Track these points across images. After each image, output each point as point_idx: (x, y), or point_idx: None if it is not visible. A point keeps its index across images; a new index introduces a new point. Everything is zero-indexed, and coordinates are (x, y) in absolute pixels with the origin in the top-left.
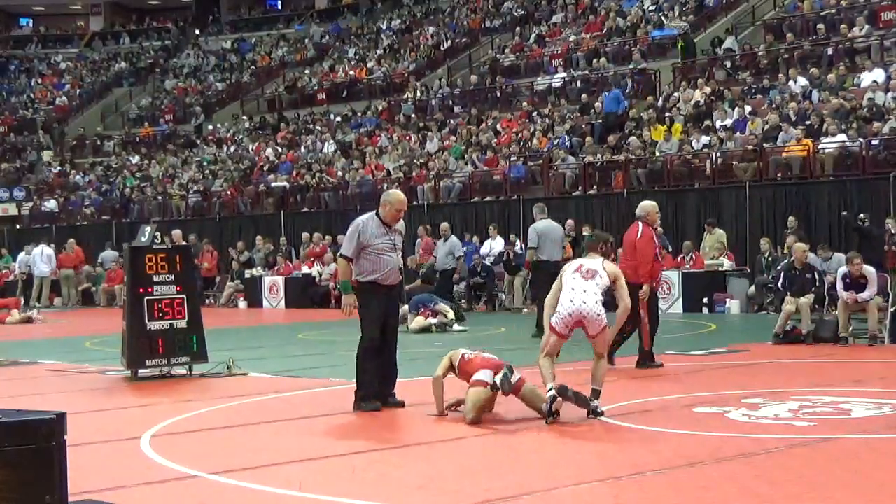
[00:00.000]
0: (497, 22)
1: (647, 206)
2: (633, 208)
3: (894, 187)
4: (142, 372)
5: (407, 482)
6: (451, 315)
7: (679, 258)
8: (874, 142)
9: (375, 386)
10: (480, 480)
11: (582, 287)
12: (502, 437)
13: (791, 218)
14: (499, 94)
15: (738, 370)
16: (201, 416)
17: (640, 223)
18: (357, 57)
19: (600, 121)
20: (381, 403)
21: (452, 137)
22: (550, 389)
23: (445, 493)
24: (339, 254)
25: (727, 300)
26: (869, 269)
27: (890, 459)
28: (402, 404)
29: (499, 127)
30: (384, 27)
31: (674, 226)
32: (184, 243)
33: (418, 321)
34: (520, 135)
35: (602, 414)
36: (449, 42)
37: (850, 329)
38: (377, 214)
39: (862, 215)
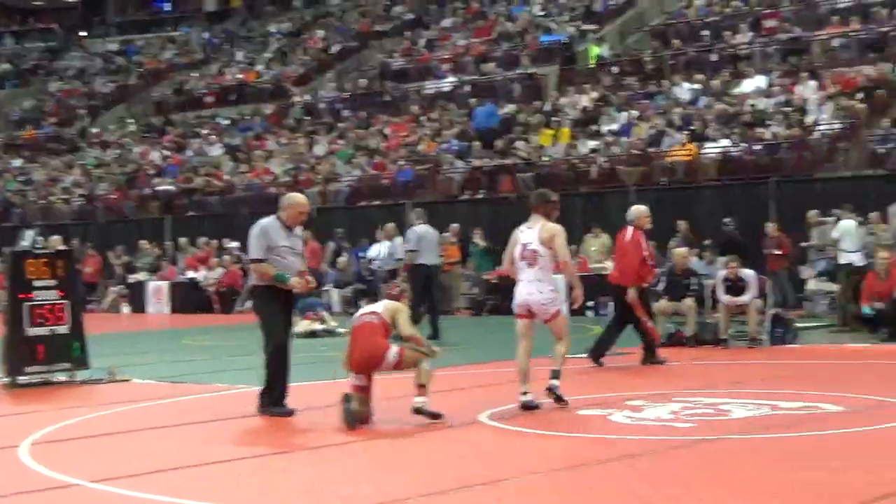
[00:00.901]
0: (387, 26)
1: (637, 210)
2: (519, 212)
3: (775, 192)
4: (21, 379)
5: (293, 487)
6: (332, 322)
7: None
8: (756, 147)
9: (286, 390)
10: (367, 485)
11: (528, 277)
12: (389, 441)
13: (680, 222)
14: (388, 99)
15: (621, 372)
16: (83, 424)
17: (630, 227)
18: (246, 60)
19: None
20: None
21: (341, 141)
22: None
23: (331, 498)
24: (250, 260)
25: (611, 303)
26: (748, 273)
27: (768, 459)
28: (291, 412)
29: (387, 131)
30: (273, 30)
31: None
32: (63, 247)
33: (304, 325)
34: (408, 139)
35: (556, 392)
36: (338, 46)
37: (731, 331)
38: (278, 218)
39: (726, 219)
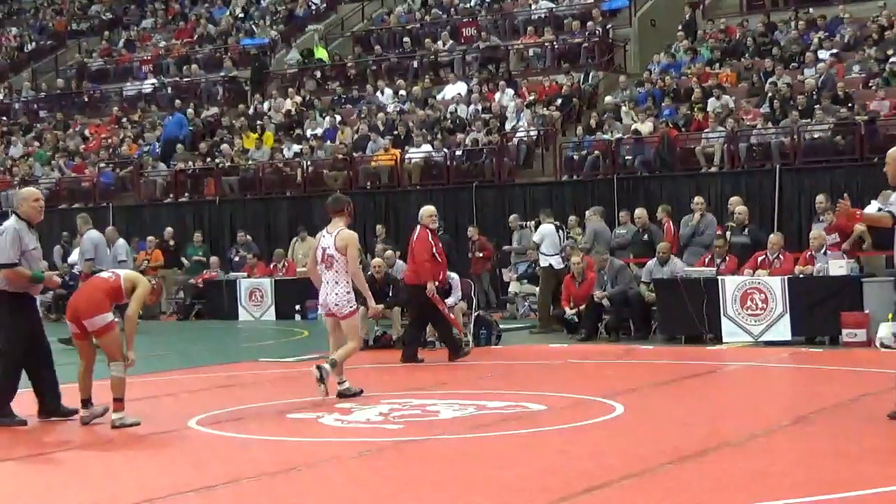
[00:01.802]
0: (84, 25)
1: (424, 210)
2: (224, 215)
3: (476, 197)
4: None
5: None
6: None
7: (272, 266)
8: (457, 153)
9: (10, 401)
10: (73, 496)
11: (326, 279)
12: (98, 450)
13: (379, 226)
14: (87, 99)
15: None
16: None
17: (419, 226)
18: None
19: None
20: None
21: (37, 143)
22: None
23: None
24: (1, 265)
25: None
26: (452, 276)
27: (475, 458)
28: (75, 411)
29: (87, 132)
30: None
31: (266, 233)
32: None
33: None
34: (109, 141)
35: (321, 371)
36: (33, 44)
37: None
38: (20, 218)
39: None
